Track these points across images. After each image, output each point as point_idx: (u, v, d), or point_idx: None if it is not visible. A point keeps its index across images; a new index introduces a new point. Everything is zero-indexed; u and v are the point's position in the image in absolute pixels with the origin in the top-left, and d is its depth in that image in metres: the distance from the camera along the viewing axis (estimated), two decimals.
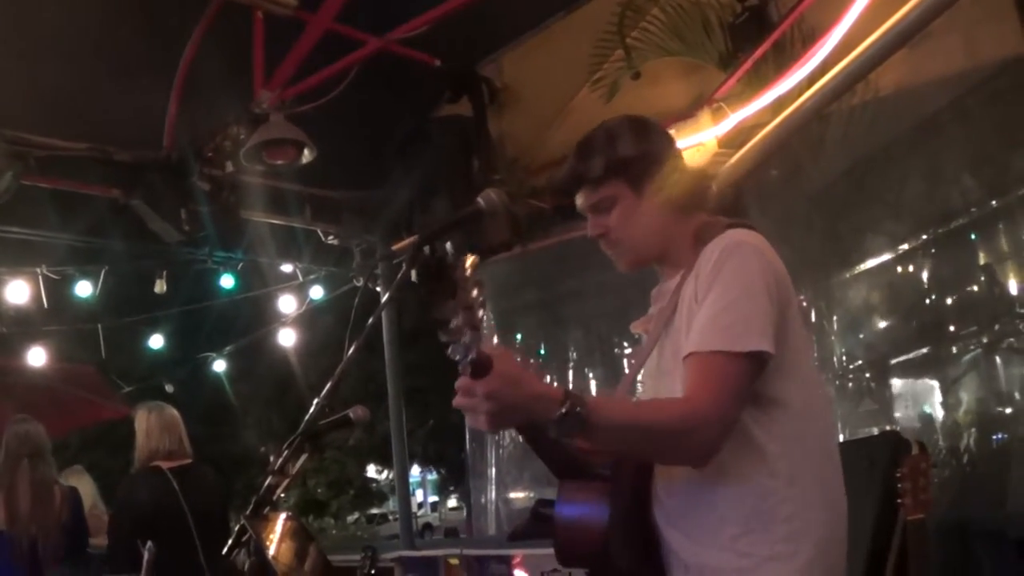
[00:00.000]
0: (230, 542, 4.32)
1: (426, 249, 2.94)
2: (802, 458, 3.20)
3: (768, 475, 3.16)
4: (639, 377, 3.67)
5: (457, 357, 2.69)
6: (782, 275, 3.27)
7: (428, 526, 48.91)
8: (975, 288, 6.44)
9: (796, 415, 3.21)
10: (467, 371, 2.73)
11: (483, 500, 11.17)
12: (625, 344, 9.37)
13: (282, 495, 4.53)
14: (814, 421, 3.30)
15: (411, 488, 54.13)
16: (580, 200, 3.58)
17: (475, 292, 2.67)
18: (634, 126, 3.58)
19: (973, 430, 6.36)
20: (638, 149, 3.50)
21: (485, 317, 2.70)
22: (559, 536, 3.35)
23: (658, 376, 3.49)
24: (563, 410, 2.81)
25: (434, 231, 3.30)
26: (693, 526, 3.25)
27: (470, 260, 2.69)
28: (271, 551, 4.95)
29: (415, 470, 47.22)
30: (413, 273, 2.89)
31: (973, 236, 6.41)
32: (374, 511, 43.34)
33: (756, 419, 3.17)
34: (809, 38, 6.62)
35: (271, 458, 4.40)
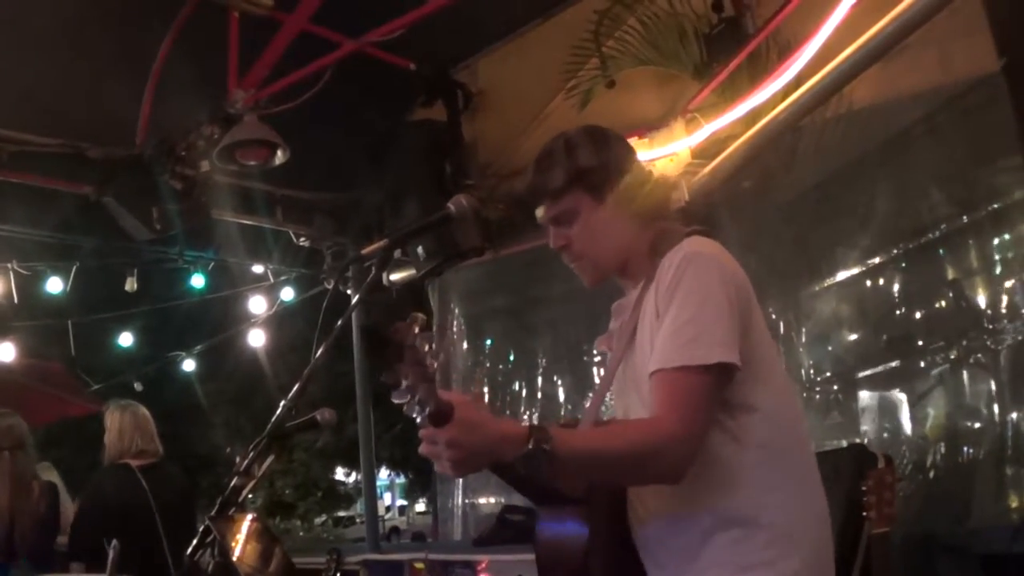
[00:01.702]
0: (194, 542, 4.31)
1: (394, 256, 2.94)
2: (778, 464, 3.22)
3: (744, 484, 3.17)
4: (608, 396, 3.67)
5: (414, 415, 2.69)
6: (742, 281, 3.28)
7: (395, 529, 48.84)
8: (943, 303, 6.46)
9: (768, 420, 3.22)
10: (428, 423, 2.73)
11: (450, 505, 11.17)
12: (594, 352, 9.37)
13: (249, 496, 4.53)
14: (787, 425, 3.31)
15: (379, 491, 54.12)
16: (541, 213, 3.58)
17: (425, 347, 2.66)
18: (593, 136, 3.59)
19: (939, 444, 6.37)
20: (598, 158, 3.51)
21: (438, 365, 2.69)
22: (541, 555, 3.36)
23: (624, 394, 3.51)
24: (529, 447, 2.81)
25: (403, 235, 3.31)
26: (669, 544, 3.26)
27: (416, 317, 2.69)
28: (236, 552, 4.94)
29: (383, 473, 47.22)
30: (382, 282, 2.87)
31: (942, 251, 6.43)
32: (341, 513, 43.33)
33: (728, 428, 3.18)
34: (784, 50, 6.64)
35: (237, 459, 4.40)
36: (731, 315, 3.14)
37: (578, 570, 3.26)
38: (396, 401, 2.67)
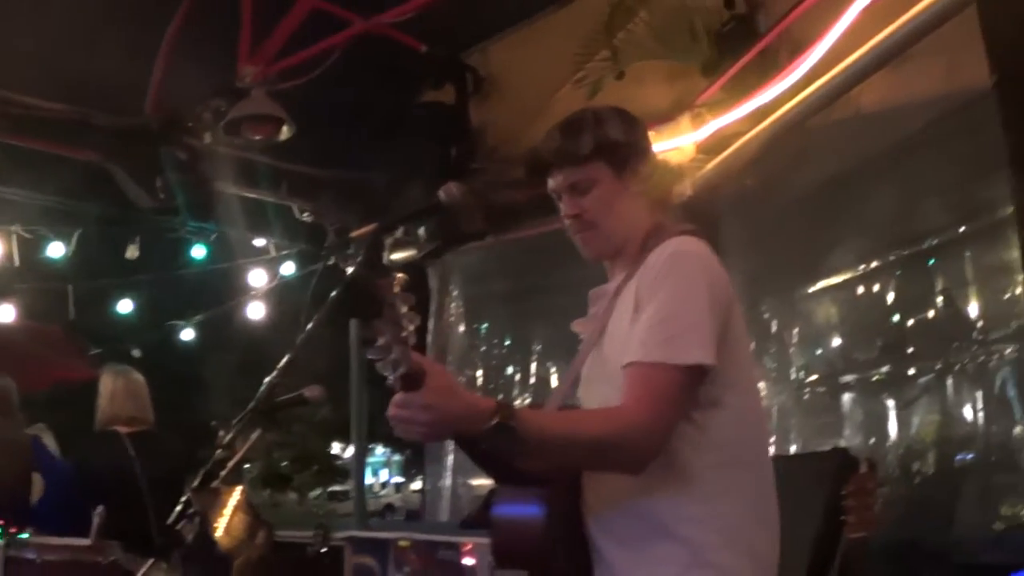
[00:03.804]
0: (176, 513, 4.34)
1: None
2: (735, 468, 3.23)
3: (698, 485, 3.19)
4: (582, 377, 3.67)
5: (387, 373, 2.71)
6: (724, 284, 3.30)
7: (390, 507, 48.95)
8: (934, 312, 6.45)
9: (732, 424, 3.24)
10: (398, 385, 2.75)
11: (439, 485, 11.16)
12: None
13: (246, 466, 4.56)
14: (749, 432, 3.34)
15: (375, 468, 54.33)
16: (558, 179, 3.57)
17: (404, 308, 2.67)
18: (622, 114, 3.62)
19: (924, 452, 6.36)
20: (626, 135, 3.53)
21: (415, 329, 2.71)
22: (496, 537, 3.37)
23: (592, 382, 3.53)
24: (494, 422, 2.83)
25: (393, 221, 3.32)
26: (621, 535, 3.27)
27: (398, 276, 2.71)
28: (223, 524, 4.97)
29: (380, 449, 47.29)
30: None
31: (936, 260, 6.42)
32: (337, 488, 43.34)
33: (691, 428, 3.19)
34: (794, 50, 6.64)
35: (220, 433, 4.44)
36: (711, 316, 3.16)
37: (534, 552, 3.28)
38: (370, 357, 2.71)
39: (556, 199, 3.62)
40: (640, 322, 3.21)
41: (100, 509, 6.21)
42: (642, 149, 3.59)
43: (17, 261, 10.60)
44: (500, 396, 10.05)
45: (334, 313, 2.99)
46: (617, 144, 3.51)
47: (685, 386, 3.11)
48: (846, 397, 7.10)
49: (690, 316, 3.15)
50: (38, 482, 7.78)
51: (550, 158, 3.58)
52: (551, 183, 3.60)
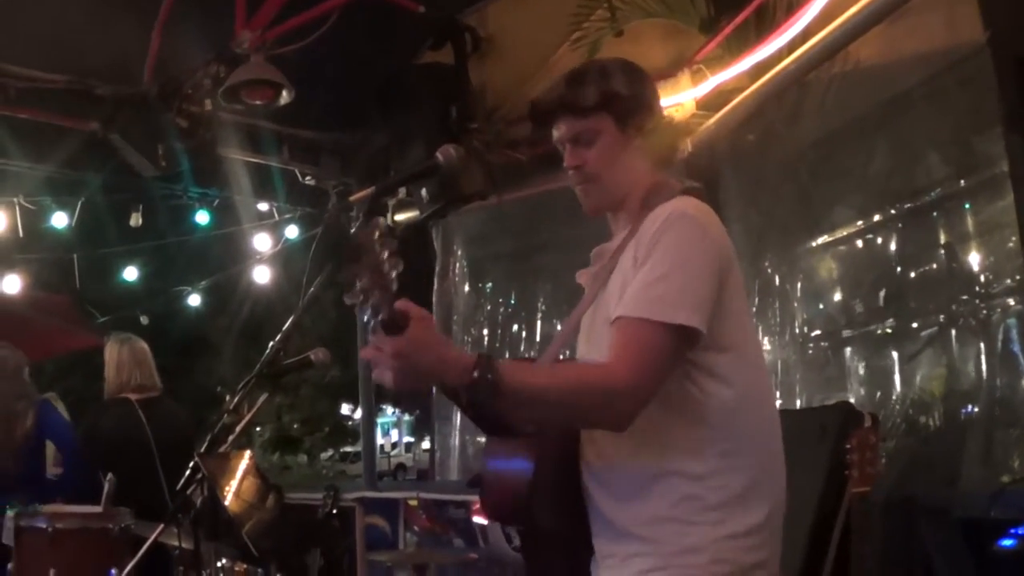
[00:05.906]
0: (185, 478, 4.37)
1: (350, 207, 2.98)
2: (738, 435, 3.23)
3: (703, 446, 3.20)
4: (581, 329, 3.67)
5: (366, 318, 2.73)
6: (724, 250, 3.29)
7: (401, 466, 49.10)
8: (935, 265, 6.42)
9: (734, 392, 3.24)
10: (379, 331, 2.76)
11: (448, 443, 11.19)
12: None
13: (257, 429, 4.58)
14: (753, 399, 3.32)
15: (386, 428, 54.45)
16: (562, 129, 3.58)
17: (385, 254, 2.68)
18: (628, 67, 3.61)
19: (928, 406, 6.35)
20: (630, 89, 3.52)
21: (397, 276, 2.72)
22: (486, 491, 3.41)
23: (590, 338, 3.54)
24: (474, 375, 2.84)
25: (390, 183, 3.34)
26: (621, 490, 3.28)
27: (380, 223, 2.72)
28: (233, 488, 5.01)
29: (390, 410, 47.33)
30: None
31: (937, 214, 6.40)
32: (348, 449, 43.41)
33: (694, 390, 3.20)
34: (792, 6, 6.64)
35: (227, 398, 4.47)
36: (705, 281, 3.16)
37: (520, 507, 3.30)
38: (347, 302, 2.73)
39: (561, 149, 3.62)
40: (634, 280, 3.22)
41: (110, 476, 6.25)
42: (647, 104, 3.57)
43: (21, 232, 10.64)
44: (506, 354, 10.11)
45: (318, 260, 3.00)
46: (621, 97, 3.49)
47: (670, 346, 3.11)
48: (849, 351, 7.10)
49: (682, 278, 3.15)
50: (51, 450, 7.83)
51: (554, 108, 3.59)
52: (555, 133, 3.61)
